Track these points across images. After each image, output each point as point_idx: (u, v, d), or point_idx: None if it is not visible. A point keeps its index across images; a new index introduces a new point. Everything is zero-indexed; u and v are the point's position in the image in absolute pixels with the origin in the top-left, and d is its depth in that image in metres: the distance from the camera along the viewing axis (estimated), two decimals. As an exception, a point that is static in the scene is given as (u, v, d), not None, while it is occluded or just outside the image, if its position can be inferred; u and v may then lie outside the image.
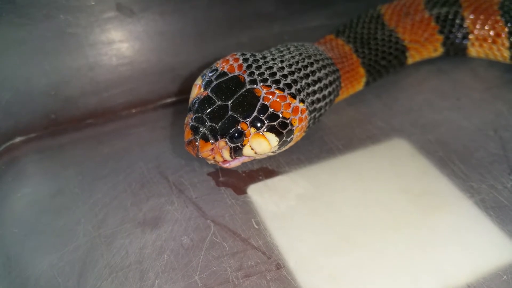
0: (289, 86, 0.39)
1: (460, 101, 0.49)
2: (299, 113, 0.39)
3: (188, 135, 0.38)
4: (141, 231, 0.39)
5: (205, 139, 0.37)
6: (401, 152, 0.44)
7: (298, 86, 0.39)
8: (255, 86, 0.38)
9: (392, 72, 0.52)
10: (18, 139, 0.48)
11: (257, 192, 0.42)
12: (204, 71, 0.41)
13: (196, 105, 0.38)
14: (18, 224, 0.41)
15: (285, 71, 0.40)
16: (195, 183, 0.43)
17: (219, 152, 0.38)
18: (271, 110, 0.38)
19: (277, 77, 0.39)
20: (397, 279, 0.35)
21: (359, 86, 0.49)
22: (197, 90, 0.40)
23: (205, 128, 0.37)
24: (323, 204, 0.40)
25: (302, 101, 0.39)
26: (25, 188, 0.44)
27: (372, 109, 0.49)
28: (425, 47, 0.51)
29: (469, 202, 0.39)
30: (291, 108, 0.38)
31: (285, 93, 0.38)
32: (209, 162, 0.40)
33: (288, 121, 0.38)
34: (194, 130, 0.38)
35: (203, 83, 0.40)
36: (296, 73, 0.40)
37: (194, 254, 0.37)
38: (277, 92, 0.38)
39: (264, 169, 0.44)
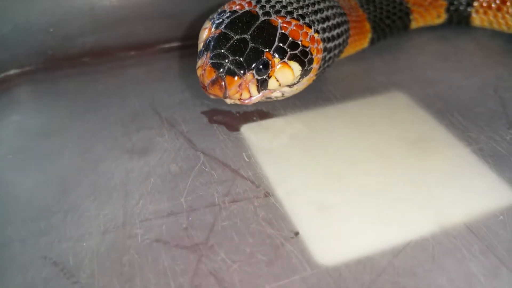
0: (302, 17, 0.38)
1: (461, 63, 0.49)
2: (316, 43, 0.38)
3: (210, 74, 0.35)
4: (129, 158, 0.38)
5: (232, 74, 0.35)
6: (399, 104, 0.43)
7: (311, 18, 0.39)
8: (270, 17, 0.37)
9: (396, 35, 0.51)
10: (12, 71, 0.48)
11: (250, 130, 0.41)
12: (211, 16, 0.40)
13: (213, 43, 0.36)
14: (4, 147, 0.40)
15: (295, 6, 0.39)
16: (187, 119, 0.42)
17: (247, 88, 0.36)
18: (291, 39, 0.37)
19: (289, 9, 0.38)
20: (389, 215, 0.33)
21: (365, 41, 0.48)
22: (208, 32, 0.38)
23: (229, 63, 0.35)
24: (317, 144, 0.39)
25: (317, 32, 0.38)
26: (15, 115, 0.43)
27: (372, 66, 0.49)
28: (428, 11, 0.51)
29: (466, 150, 0.38)
30: (308, 37, 0.37)
31: (301, 23, 0.38)
32: (229, 102, 0.38)
33: (308, 50, 0.37)
34: (217, 67, 0.35)
35: (214, 24, 0.38)
36: (305, 8, 0.39)
37: (182, 180, 0.36)
38: (293, 21, 0.37)
39: (259, 111, 0.43)
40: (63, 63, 0.49)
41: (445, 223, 0.32)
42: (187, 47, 0.51)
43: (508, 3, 0.49)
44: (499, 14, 0.50)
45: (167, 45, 0.51)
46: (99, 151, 0.39)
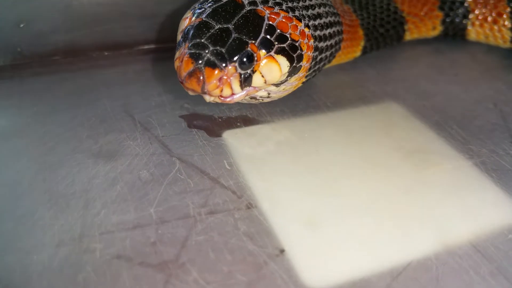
0: (292, 9, 0.35)
1: (457, 77, 0.46)
2: (306, 38, 0.35)
3: (188, 66, 0.31)
4: (94, 162, 0.34)
5: (212, 65, 0.31)
6: (394, 114, 0.40)
7: (302, 13, 0.35)
8: (256, 7, 0.34)
9: (389, 45, 0.49)
10: (-23, 68, 0.44)
11: (233, 136, 0.37)
12: (193, 5, 0.36)
13: (192, 32, 0.33)
14: (-47, 148, 0.36)
15: None
16: (164, 123, 0.38)
17: (228, 83, 0.32)
18: (278, 31, 0.33)
19: (278, 0, 0.35)
20: (386, 232, 0.30)
21: (358, 49, 0.46)
22: (188, 21, 0.35)
23: (208, 54, 0.31)
24: (306, 153, 0.36)
25: (307, 26, 0.35)
26: (-29, 114, 0.39)
27: (364, 75, 0.46)
28: (424, 22, 0.49)
29: (468, 163, 0.35)
30: (298, 30, 0.34)
31: (290, 15, 0.34)
32: (209, 99, 0.34)
33: (297, 44, 0.34)
34: (195, 57, 0.31)
35: (194, 14, 0.34)
36: (295, 2, 0.36)
37: (153, 188, 0.32)
38: (282, 13, 0.34)
39: (243, 117, 0.39)
40: (33, 61, 0.45)
41: (449, 242, 0.29)
42: (167, 49, 0.48)
43: (504, 16, 0.47)
44: (495, 27, 0.48)
45: (145, 47, 0.48)
46: (60, 154, 0.34)
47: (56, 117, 0.38)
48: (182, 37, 0.34)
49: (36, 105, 0.40)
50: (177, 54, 0.33)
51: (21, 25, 0.45)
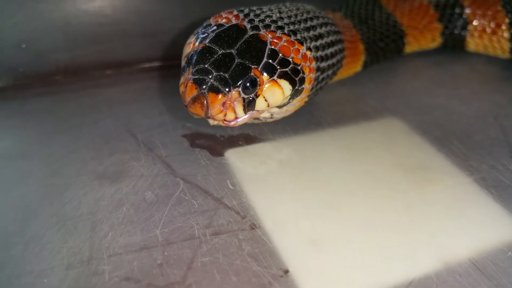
0: (294, 33, 0.35)
1: (457, 90, 0.47)
2: (308, 61, 0.35)
3: (192, 91, 0.31)
4: (99, 184, 0.34)
5: (215, 91, 0.31)
6: (394, 130, 0.41)
7: (303, 35, 0.36)
8: (258, 32, 0.34)
9: (389, 59, 0.49)
10: (-20, 89, 0.44)
11: (235, 156, 0.37)
12: (196, 30, 0.37)
13: (195, 57, 0.33)
14: (-41, 171, 0.36)
15: (286, 21, 0.36)
16: (166, 143, 0.38)
17: (232, 107, 0.32)
18: (281, 55, 0.33)
19: (280, 24, 0.35)
20: (388, 250, 0.30)
21: (358, 64, 0.46)
22: (192, 47, 0.35)
23: (212, 79, 0.32)
24: (307, 171, 0.36)
25: (309, 49, 0.36)
26: (-24, 136, 0.40)
27: (365, 90, 0.46)
28: (423, 35, 0.49)
29: (468, 180, 0.35)
30: (300, 54, 0.34)
31: (292, 39, 0.35)
32: (213, 123, 0.34)
33: (299, 68, 0.34)
34: (199, 83, 0.32)
35: (198, 38, 0.35)
36: (296, 24, 0.36)
37: (158, 209, 0.32)
38: (284, 37, 0.34)
39: (245, 135, 0.40)
40: (35, 81, 0.46)
41: (449, 259, 0.29)
42: (169, 67, 0.49)
43: (503, 27, 0.47)
44: (494, 38, 0.48)
45: (147, 65, 0.48)
46: (66, 176, 0.35)
47: (60, 138, 0.39)
48: (186, 63, 0.34)
49: (39, 126, 0.40)
50: (182, 80, 0.33)
51: (23, 46, 0.45)
